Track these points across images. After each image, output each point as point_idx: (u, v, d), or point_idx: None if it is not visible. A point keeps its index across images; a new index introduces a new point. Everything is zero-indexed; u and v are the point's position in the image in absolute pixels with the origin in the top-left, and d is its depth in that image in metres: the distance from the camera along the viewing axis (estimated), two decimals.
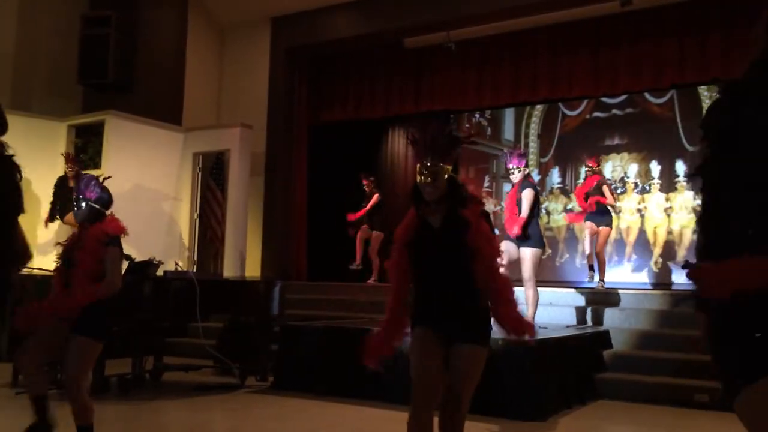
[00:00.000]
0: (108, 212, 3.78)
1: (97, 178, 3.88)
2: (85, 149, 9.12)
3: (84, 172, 7.70)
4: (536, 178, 11.21)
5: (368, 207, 9.37)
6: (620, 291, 7.47)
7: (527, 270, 5.88)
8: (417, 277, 2.79)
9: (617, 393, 5.76)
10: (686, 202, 9.99)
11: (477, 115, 11.89)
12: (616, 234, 10.46)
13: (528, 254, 5.87)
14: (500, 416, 4.85)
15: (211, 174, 9.69)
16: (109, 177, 4.03)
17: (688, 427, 5.06)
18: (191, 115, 10.15)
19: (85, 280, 3.48)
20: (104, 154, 8.86)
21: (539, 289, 6.23)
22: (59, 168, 9.08)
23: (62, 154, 8.51)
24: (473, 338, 2.70)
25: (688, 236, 9.91)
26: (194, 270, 9.32)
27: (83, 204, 3.70)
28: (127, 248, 6.36)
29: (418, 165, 2.76)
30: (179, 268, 6.83)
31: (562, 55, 9.39)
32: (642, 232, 10.31)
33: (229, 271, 9.18)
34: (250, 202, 9.87)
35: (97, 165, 8.93)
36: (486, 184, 11.58)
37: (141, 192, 9.11)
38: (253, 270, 9.79)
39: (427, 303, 2.75)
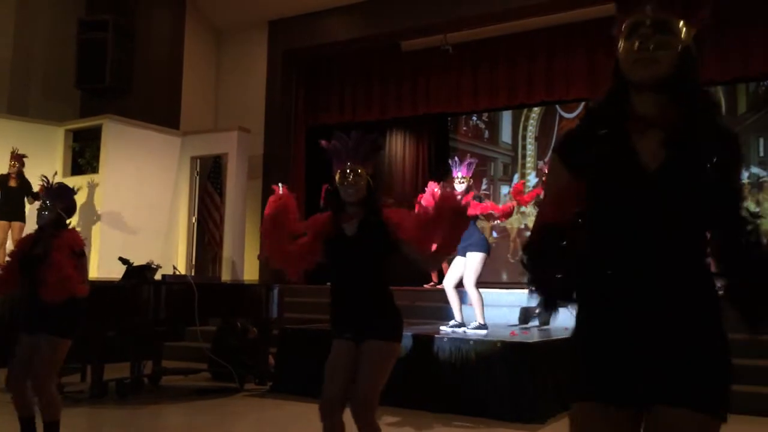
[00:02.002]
0: (69, 221, 3.81)
1: (72, 188, 3.90)
2: (83, 153, 9.13)
3: (67, 179, 7.70)
4: (533, 181, 11.24)
5: None
6: None
7: (470, 274, 5.81)
8: (331, 279, 2.97)
9: None
10: None
11: (474, 118, 11.91)
12: None
13: (472, 258, 5.81)
14: (498, 419, 4.84)
15: (209, 178, 9.70)
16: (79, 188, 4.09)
17: None
18: (188, 118, 10.16)
19: (58, 282, 3.48)
20: (102, 158, 8.87)
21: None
22: (57, 171, 9.09)
23: (12, 151, 8.13)
24: (378, 335, 2.81)
25: None
26: (192, 274, 9.33)
27: (51, 209, 3.70)
28: (125, 253, 6.41)
29: (339, 170, 2.89)
30: (177, 272, 6.83)
31: (558, 57, 9.42)
32: None
33: (227, 275, 9.19)
34: (248, 205, 9.87)
35: (94, 169, 8.95)
36: (483, 186, 11.59)
37: (139, 196, 9.11)
38: (251, 274, 9.79)
39: (339, 306, 2.94)
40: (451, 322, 5.99)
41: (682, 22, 1.57)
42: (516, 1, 8.62)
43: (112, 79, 9.16)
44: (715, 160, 1.49)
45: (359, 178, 2.85)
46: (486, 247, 5.87)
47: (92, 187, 8.82)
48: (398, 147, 12.00)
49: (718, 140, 1.53)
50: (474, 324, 5.83)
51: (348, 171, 2.86)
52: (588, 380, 1.53)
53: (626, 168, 1.52)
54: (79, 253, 3.63)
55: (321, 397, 2.81)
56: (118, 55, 9.21)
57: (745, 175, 9.64)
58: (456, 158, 6.14)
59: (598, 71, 9.13)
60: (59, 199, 3.74)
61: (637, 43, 1.55)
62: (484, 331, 5.74)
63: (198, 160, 9.87)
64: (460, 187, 5.80)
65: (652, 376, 1.45)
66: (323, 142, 3.11)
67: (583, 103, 10.68)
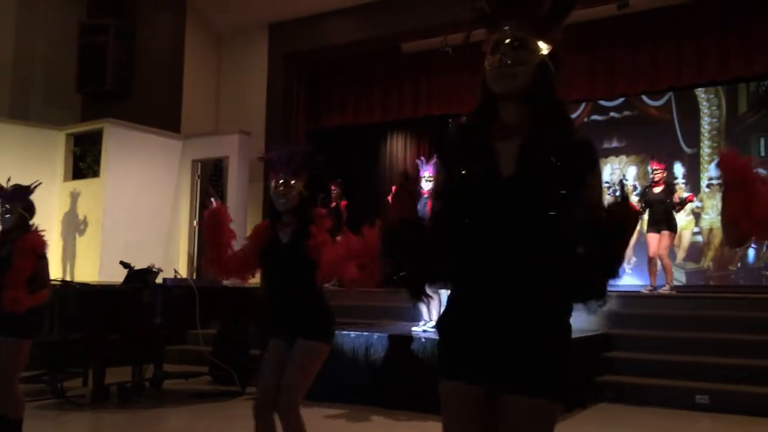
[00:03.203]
0: (31, 222, 3.80)
1: (28, 187, 3.86)
2: (84, 157, 9.14)
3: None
4: None
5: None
6: (621, 294, 7.45)
7: None
8: (268, 285, 3.20)
9: (618, 395, 5.76)
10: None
11: None
12: None
13: None
14: None
15: (210, 181, 9.71)
16: (40, 183, 3.99)
17: (688, 429, 5.05)
18: (190, 122, 10.17)
19: (22, 286, 3.53)
20: (103, 162, 8.88)
21: None
22: (58, 177, 9.11)
23: None
24: (306, 334, 3.00)
25: (688, 237, 9.93)
26: (194, 277, 9.33)
27: (12, 211, 3.70)
28: (126, 257, 6.41)
29: (273, 180, 3.09)
30: (178, 276, 6.83)
31: None
32: (641, 234, 10.30)
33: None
34: (250, 208, 9.87)
35: (95, 173, 8.96)
36: None
37: (140, 200, 9.12)
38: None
39: (273, 308, 3.13)
40: (422, 322, 6.03)
41: (538, 41, 1.73)
42: None
43: (113, 83, 9.17)
44: (566, 166, 1.64)
45: (290, 189, 3.04)
46: None
47: (94, 190, 8.83)
48: (399, 149, 12.01)
49: (569, 148, 1.67)
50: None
51: (279, 181, 3.05)
52: (448, 360, 1.72)
53: (483, 173, 1.69)
54: (40, 256, 3.65)
55: (254, 396, 3.09)
56: (118, 58, 9.23)
57: None
58: (422, 158, 6.21)
59: (598, 72, 9.12)
60: (18, 200, 3.73)
61: (498, 59, 1.74)
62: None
63: (199, 164, 9.88)
64: (427, 185, 5.88)
65: (499, 364, 1.64)
66: (260, 155, 3.48)
67: (583, 104, 10.69)
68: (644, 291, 7.95)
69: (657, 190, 7.93)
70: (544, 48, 1.74)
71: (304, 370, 2.97)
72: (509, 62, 1.72)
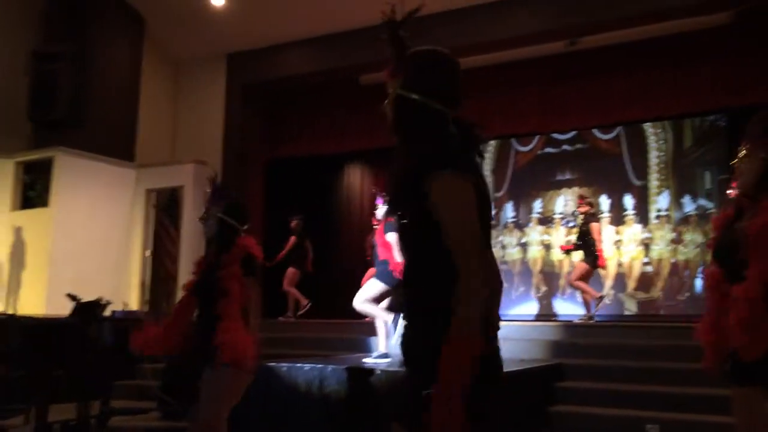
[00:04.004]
0: None
1: None
2: (34, 186, 8.94)
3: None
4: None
5: (285, 251, 9.25)
6: (572, 323, 7.56)
7: (365, 296, 5.86)
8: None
9: (570, 425, 5.79)
10: (635, 234, 10.24)
11: None
12: (568, 266, 10.64)
13: (374, 284, 5.85)
14: None
15: (165, 211, 9.58)
16: None
17: None
18: (144, 151, 10.05)
19: None
20: (53, 191, 8.70)
21: None
22: (6, 206, 8.88)
23: None
24: (213, 364, 3.20)
25: (638, 268, 10.14)
26: (146, 309, 9.14)
27: None
28: (75, 288, 6.25)
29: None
30: (127, 308, 6.69)
31: (513, 91, 9.62)
32: None
33: None
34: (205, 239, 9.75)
35: (45, 203, 8.76)
36: None
37: (91, 230, 8.94)
38: None
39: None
40: (375, 353, 6.04)
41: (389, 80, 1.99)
42: (468, 39, 8.80)
43: (66, 111, 9.01)
44: (414, 203, 1.82)
45: (208, 218, 3.36)
46: (388, 280, 5.86)
47: (43, 220, 8.63)
48: (357, 179, 12.05)
49: (417, 182, 1.81)
50: (377, 353, 5.93)
51: (202, 211, 3.41)
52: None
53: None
54: None
55: None
56: (71, 86, 9.08)
57: (692, 206, 9.92)
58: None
59: (551, 106, 9.35)
60: None
61: None
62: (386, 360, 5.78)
63: (154, 193, 9.75)
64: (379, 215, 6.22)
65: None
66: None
67: (537, 137, 10.93)
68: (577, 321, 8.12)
69: (579, 221, 8.31)
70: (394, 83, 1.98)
71: (208, 399, 3.16)
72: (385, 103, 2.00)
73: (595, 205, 8.41)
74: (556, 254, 10.80)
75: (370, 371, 5.43)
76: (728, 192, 2.69)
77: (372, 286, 5.84)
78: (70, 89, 9.09)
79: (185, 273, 9.21)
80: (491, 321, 1.82)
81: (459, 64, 2.05)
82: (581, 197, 8.60)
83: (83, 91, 9.26)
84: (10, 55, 9.46)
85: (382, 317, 5.89)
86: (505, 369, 5.72)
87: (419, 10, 2.09)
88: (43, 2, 9.51)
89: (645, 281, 10.12)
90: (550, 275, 10.78)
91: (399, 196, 1.88)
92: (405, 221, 1.85)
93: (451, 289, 1.70)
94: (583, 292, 8.12)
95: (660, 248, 10.06)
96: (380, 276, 5.81)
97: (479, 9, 8.74)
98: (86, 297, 6.00)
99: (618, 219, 10.38)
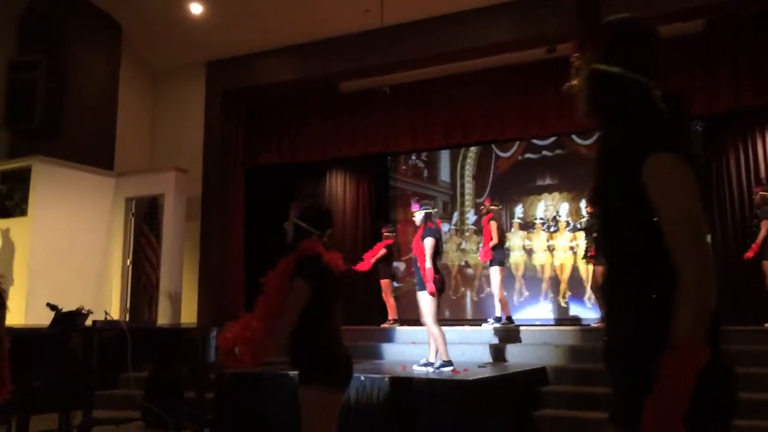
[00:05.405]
0: None
1: None
2: (11, 196, 8.82)
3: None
4: (472, 218, 11.42)
5: (378, 256, 9.32)
6: (559, 328, 7.61)
7: (426, 314, 5.96)
8: None
9: (554, 429, 5.82)
10: None
11: (413, 157, 12.09)
12: (550, 272, 10.73)
13: (423, 298, 5.96)
14: None
15: (145, 219, 9.50)
16: None
17: None
18: (124, 159, 9.98)
19: None
20: (31, 200, 8.59)
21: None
22: None
23: None
24: (300, 380, 2.96)
25: None
26: (127, 318, 9.04)
27: None
28: (55, 298, 6.17)
29: None
30: (109, 317, 6.61)
31: (493, 98, 9.71)
32: (575, 269, 10.59)
33: (164, 318, 8.94)
34: (186, 246, 9.69)
35: (23, 212, 8.65)
36: None
37: (70, 239, 8.84)
38: (189, 316, 9.56)
39: None
40: (423, 360, 6.08)
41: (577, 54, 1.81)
42: (451, 46, 8.87)
43: (43, 120, 8.91)
44: (623, 190, 1.66)
45: (289, 223, 3.23)
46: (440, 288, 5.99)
47: (21, 229, 8.51)
48: (338, 187, 12.05)
49: (627, 166, 1.64)
50: (438, 362, 5.94)
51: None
52: None
53: None
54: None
55: None
56: (49, 95, 8.98)
57: None
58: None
59: (531, 112, 9.45)
60: None
61: None
62: (449, 368, 5.81)
63: (133, 201, 9.67)
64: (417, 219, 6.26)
65: None
66: None
67: (517, 143, 11.01)
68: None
69: (584, 224, 8.35)
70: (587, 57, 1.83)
71: (304, 419, 2.75)
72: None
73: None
74: (538, 259, 10.88)
75: (429, 380, 5.32)
76: None
77: (426, 301, 5.87)
78: (47, 98, 8.99)
79: (166, 281, 9.14)
80: (716, 326, 1.55)
81: (660, 33, 1.76)
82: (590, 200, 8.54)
83: (60, 99, 9.17)
84: None
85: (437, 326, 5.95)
86: (488, 374, 5.69)
87: None
88: (20, 11, 9.41)
89: None
90: (532, 280, 10.85)
91: (605, 184, 1.66)
92: (611, 210, 1.63)
93: (667, 287, 1.50)
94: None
95: None
96: (422, 285, 5.90)
97: (458, 16, 8.82)
98: (66, 306, 5.92)
99: None
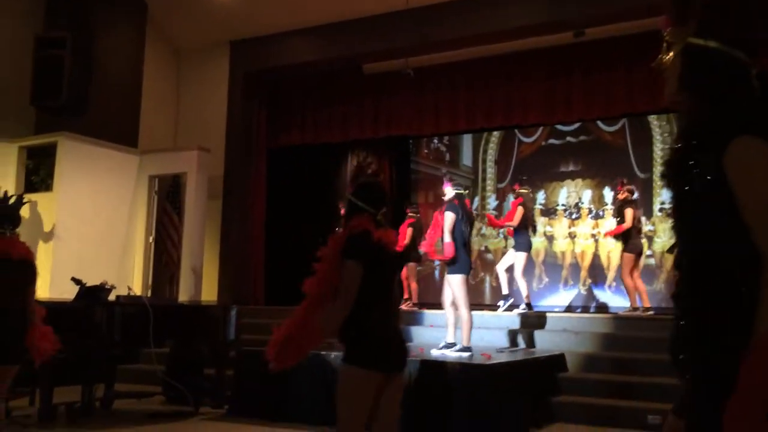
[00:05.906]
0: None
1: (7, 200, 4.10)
2: (37, 171, 8.93)
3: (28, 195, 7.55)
4: (493, 203, 11.36)
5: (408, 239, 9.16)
6: (575, 315, 7.56)
7: (457, 296, 5.91)
8: None
9: (572, 416, 5.81)
10: None
11: (435, 141, 12.03)
12: (571, 258, 10.65)
13: (454, 280, 5.92)
14: None
15: (168, 197, 9.57)
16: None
17: None
18: (147, 137, 10.04)
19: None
20: (56, 176, 8.68)
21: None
22: (10, 190, 8.85)
23: None
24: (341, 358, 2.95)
25: (641, 260, 10.13)
26: (149, 294, 9.15)
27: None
28: (79, 273, 6.26)
29: None
30: (132, 293, 6.69)
31: (517, 82, 9.60)
32: (596, 256, 10.51)
33: (184, 296, 9.03)
34: (208, 225, 9.75)
35: (48, 187, 8.75)
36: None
37: (94, 215, 8.94)
38: (209, 294, 9.65)
39: None
40: (442, 343, 6.08)
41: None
42: (479, 28, 8.77)
43: (69, 97, 8.98)
44: (704, 172, 1.58)
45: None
46: (467, 269, 5.94)
47: (46, 205, 8.62)
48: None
49: (711, 148, 1.56)
50: (458, 346, 5.91)
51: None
52: None
53: None
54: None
55: None
56: (75, 72, 9.05)
57: None
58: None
59: (556, 97, 9.33)
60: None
61: None
62: (467, 354, 5.79)
63: (156, 179, 9.74)
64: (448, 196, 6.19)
65: None
66: None
67: (540, 128, 10.90)
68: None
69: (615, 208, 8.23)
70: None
71: (338, 396, 2.75)
72: None
73: (633, 192, 8.21)
74: (559, 245, 10.81)
75: (449, 364, 5.32)
76: None
77: (458, 284, 5.89)
78: (74, 75, 9.05)
79: (187, 259, 9.23)
80: None
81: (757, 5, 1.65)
82: (621, 183, 8.28)
83: (86, 76, 9.23)
84: (13, 41, 9.42)
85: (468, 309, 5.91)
86: (507, 359, 5.67)
87: None
88: None
89: (648, 274, 10.12)
90: (552, 266, 10.79)
91: (684, 165, 1.57)
92: (689, 193, 1.56)
93: (749, 277, 1.42)
94: (636, 290, 7.74)
95: (663, 241, 10.07)
96: (460, 268, 5.89)
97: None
98: (90, 281, 6.01)
99: None
